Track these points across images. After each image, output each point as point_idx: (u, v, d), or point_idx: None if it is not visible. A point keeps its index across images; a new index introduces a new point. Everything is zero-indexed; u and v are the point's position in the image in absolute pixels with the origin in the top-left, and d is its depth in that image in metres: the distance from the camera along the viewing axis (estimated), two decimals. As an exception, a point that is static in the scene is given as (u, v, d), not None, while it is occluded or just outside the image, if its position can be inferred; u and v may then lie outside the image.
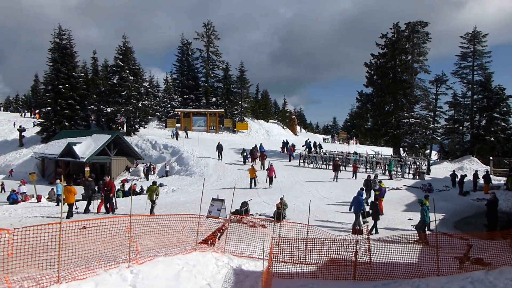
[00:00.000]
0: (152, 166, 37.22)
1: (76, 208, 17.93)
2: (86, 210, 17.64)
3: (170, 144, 41.20)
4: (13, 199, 24.07)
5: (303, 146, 42.94)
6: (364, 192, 17.36)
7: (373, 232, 14.88)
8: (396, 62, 43.83)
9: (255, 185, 25.69)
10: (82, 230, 8.60)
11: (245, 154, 35.64)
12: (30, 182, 28.37)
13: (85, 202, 18.65)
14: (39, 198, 23.14)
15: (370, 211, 15.29)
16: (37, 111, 62.22)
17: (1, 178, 37.80)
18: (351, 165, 32.84)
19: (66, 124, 47.70)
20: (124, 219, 8.97)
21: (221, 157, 31.93)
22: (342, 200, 21.48)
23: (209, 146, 40.54)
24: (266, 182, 25.99)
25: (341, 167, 31.11)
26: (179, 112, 55.51)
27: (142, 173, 35.91)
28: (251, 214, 16.86)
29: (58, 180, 22.89)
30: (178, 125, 54.47)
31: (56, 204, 20.59)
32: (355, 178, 28.47)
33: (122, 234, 8.97)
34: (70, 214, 16.41)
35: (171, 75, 64.15)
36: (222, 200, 16.76)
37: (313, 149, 39.81)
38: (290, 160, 37.55)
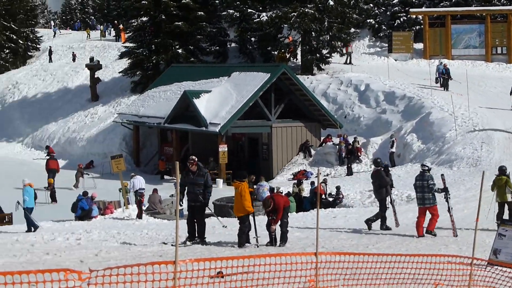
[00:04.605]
0: (357, 142, 30.55)
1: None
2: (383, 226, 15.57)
3: (401, 91, 33.23)
4: (82, 210, 21.95)
5: None
6: None
7: None
8: None
9: None
10: (215, 278, 7.44)
11: None
12: (112, 175, 26.14)
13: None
14: (126, 205, 21.82)
15: None
16: (120, 26, 51.32)
17: (63, 165, 31.98)
18: None
19: (179, 51, 38.40)
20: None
21: None
22: None
23: (494, 94, 33.23)
24: None
25: None
26: (421, 16, 43.90)
27: (335, 158, 30.13)
28: None
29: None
30: (419, 46, 43.38)
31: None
32: None
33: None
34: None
35: None
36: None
37: None
38: None
